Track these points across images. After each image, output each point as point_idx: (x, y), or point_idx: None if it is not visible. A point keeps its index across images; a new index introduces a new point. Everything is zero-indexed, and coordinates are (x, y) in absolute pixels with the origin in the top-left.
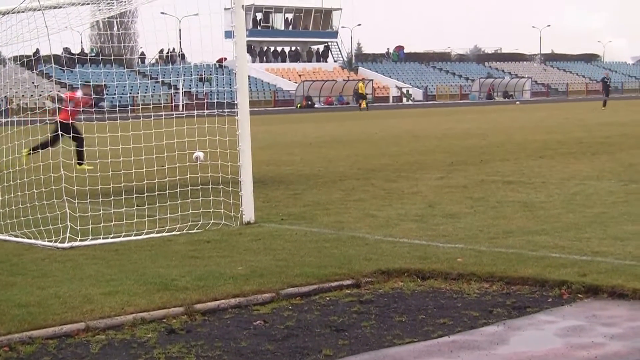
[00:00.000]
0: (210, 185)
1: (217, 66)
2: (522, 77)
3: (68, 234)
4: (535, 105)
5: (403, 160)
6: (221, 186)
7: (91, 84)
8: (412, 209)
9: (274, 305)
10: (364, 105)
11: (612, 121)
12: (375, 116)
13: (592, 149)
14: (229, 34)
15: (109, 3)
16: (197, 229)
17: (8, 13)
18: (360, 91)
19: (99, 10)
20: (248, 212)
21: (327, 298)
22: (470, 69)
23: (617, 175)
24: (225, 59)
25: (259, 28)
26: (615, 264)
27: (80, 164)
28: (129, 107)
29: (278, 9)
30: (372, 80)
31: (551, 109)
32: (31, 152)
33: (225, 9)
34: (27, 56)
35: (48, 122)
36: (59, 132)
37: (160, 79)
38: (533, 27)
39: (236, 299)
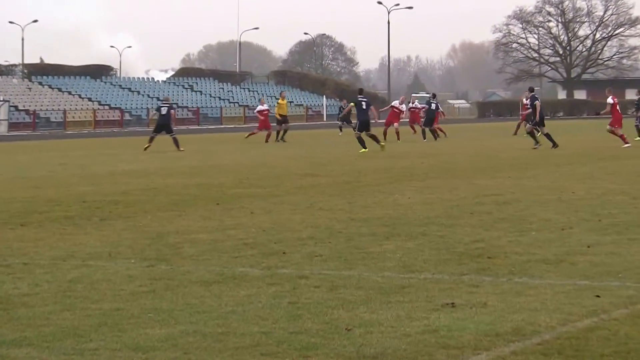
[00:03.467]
0: None
1: None
2: None
3: None
4: (18, 144)
5: None
6: None
7: None
8: None
9: None
10: None
11: (137, 169)
12: None
13: (102, 211)
14: None
15: None
16: None
17: None
18: None
19: None
20: None
21: None
22: None
23: (147, 251)
24: None
25: None
26: None
27: None
28: None
29: None
30: None
31: (41, 150)
32: None
33: None
34: None
35: None
36: None
37: None
38: (11, 22)
39: None
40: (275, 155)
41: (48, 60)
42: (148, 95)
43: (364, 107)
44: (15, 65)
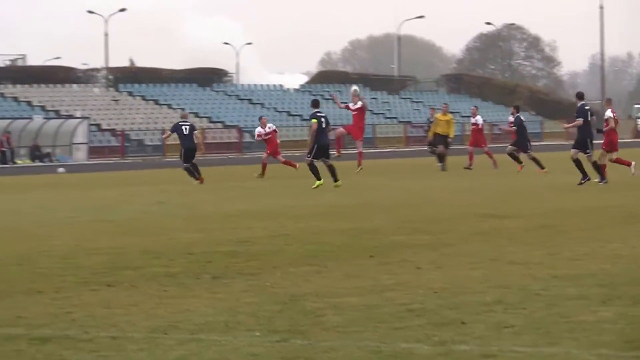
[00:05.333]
0: None
1: None
2: (74, 117)
3: None
4: (101, 176)
5: None
6: None
7: None
8: None
9: None
10: None
11: (260, 208)
12: None
13: (215, 266)
14: None
15: None
16: None
17: None
18: None
19: None
20: None
21: None
22: None
23: (277, 320)
24: None
25: None
26: None
27: None
28: None
29: None
30: None
31: (131, 183)
32: None
33: None
34: None
35: None
36: None
37: None
38: (91, 12)
39: None
40: (445, 188)
41: (140, 62)
42: (275, 109)
43: (324, 125)
44: (97, 70)
